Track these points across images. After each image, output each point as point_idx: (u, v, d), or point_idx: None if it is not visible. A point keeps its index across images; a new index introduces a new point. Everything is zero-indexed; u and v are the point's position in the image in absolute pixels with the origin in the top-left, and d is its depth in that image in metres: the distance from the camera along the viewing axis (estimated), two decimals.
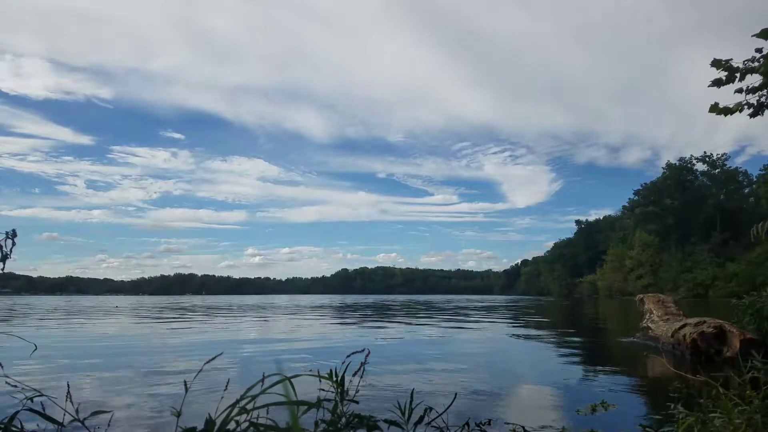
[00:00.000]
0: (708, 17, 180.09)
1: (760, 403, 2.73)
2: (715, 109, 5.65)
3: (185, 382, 1.80)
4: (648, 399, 5.11)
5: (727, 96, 5.59)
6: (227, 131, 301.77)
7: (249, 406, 1.49)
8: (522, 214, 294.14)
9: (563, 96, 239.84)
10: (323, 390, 2.03)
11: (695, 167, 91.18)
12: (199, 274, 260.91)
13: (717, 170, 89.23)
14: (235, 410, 1.50)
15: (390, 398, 4.48)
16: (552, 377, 6.28)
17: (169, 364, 7.46)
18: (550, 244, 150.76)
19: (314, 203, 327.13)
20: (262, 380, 1.49)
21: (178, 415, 1.70)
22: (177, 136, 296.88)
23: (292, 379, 1.35)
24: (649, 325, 9.95)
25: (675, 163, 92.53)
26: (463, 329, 14.73)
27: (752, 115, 5.67)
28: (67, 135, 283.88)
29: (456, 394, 3.38)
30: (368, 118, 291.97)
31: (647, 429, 3.03)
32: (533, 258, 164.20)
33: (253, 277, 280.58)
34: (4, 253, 2.21)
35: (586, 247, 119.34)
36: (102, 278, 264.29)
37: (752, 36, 5.30)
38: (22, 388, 2.04)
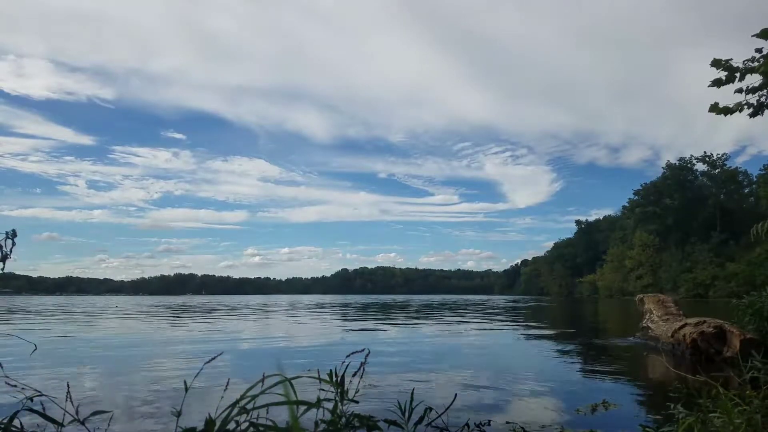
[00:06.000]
0: (708, 17, 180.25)
1: (760, 403, 2.73)
2: (715, 109, 5.65)
3: (185, 382, 1.80)
4: (648, 399, 5.10)
5: (727, 96, 5.59)
6: (228, 131, 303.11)
7: (249, 406, 1.49)
8: (522, 214, 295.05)
9: (563, 96, 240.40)
10: (323, 390, 2.03)
11: (695, 167, 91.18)
12: (199, 274, 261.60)
13: (717, 170, 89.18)
14: (235, 410, 1.50)
15: (390, 398, 4.48)
16: (552, 377, 6.28)
17: (169, 363, 7.46)
18: (550, 244, 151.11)
19: (315, 203, 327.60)
20: (262, 380, 1.49)
21: (178, 415, 1.70)
22: (178, 136, 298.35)
23: (292, 380, 1.35)
24: (649, 325, 9.95)
25: (675, 163, 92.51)
26: (462, 329, 14.72)
27: (752, 115, 5.67)
28: (68, 135, 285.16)
29: (456, 394, 3.38)
30: (369, 118, 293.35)
31: (647, 429, 3.03)
32: (533, 258, 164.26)
33: (253, 277, 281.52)
34: (4, 253, 2.21)
35: (586, 247, 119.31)
36: (102, 278, 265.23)
37: (752, 36, 5.29)
38: (22, 388, 2.04)
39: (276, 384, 1.32)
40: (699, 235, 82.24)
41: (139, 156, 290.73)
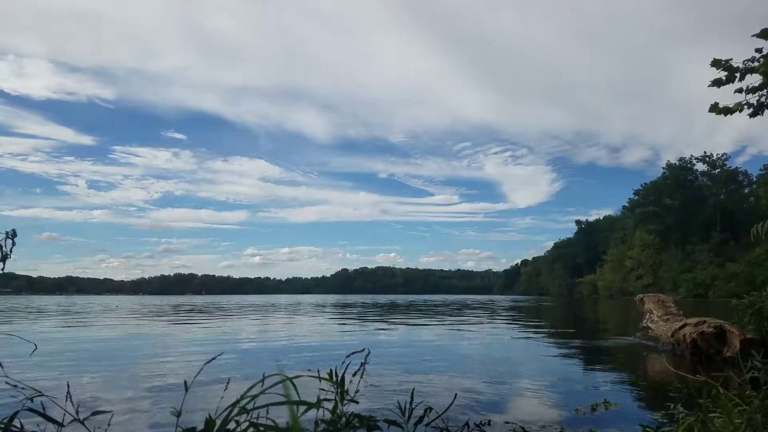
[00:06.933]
0: (708, 17, 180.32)
1: (760, 403, 2.73)
2: (715, 109, 5.65)
3: (185, 382, 1.80)
4: (648, 399, 5.11)
5: (727, 96, 5.59)
6: (228, 131, 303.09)
7: (249, 406, 1.49)
8: (522, 214, 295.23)
9: (564, 96, 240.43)
10: (323, 390, 2.03)
11: (695, 167, 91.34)
12: (199, 274, 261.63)
13: (717, 170, 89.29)
14: (235, 410, 1.50)
15: (390, 398, 4.48)
16: (552, 377, 6.28)
17: (169, 363, 7.46)
18: (550, 244, 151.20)
19: (315, 203, 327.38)
20: (262, 380, 1.49)
21: (178, 415, 1.70)
22: (178, 136, 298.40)
23: (292, 379, 1.35)
24: (649, 325, 9.95)
25: (675, 163, 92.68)
26: (463, 329, 14.72)
27: (752, 115, 5.67)
28: (68, 135, 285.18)
29: (456, 394, 3.38)
30: (369, 119, 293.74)
31: (647, 429, 3.03)
32: (533, 258, 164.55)
33: (253, 277, 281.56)
34: (4, 253, 2.21)
35: (586, 247, 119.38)
36: (102, 278, 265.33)
37: (752, 36, 5.30)
38: (22, 388, 2.04)
39: (276, 384, 1.32)
40: (699, 235, 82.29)
41: (139, 156, 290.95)
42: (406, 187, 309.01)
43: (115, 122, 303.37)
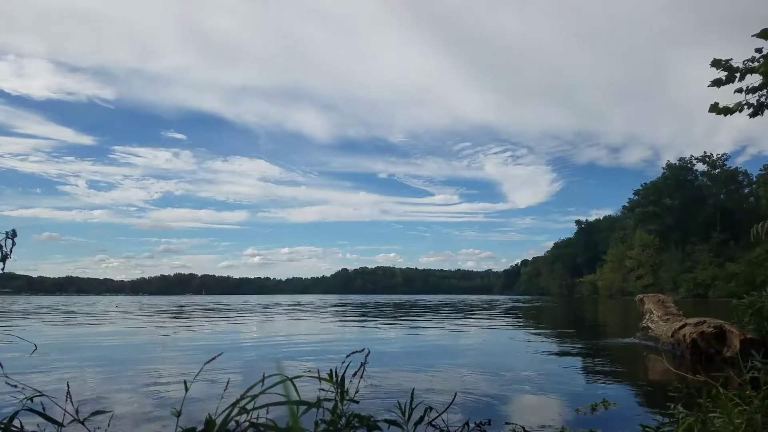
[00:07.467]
0: (708, 17, 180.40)
1: (760, 403, 2.73)
2: (715, 109, 5.66)
3: (185, 382, 1.80)
4: (648, 399, 5.10)
5: (727, 96, 5.60)
6: (228, 131, 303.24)
7: (249, 406, 1.49)
8: (522, 214, 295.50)
9: (564, 96, 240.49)
10: (323, 390, 2.03)
11: (695, 167, 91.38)
12: (199, 274, 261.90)
13: (717, 170, 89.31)
14: (235, 410, 1.50)
15: (390, 398, 4.48)
16: (552, 377, 6.28)
17: (169, 363, 7.46)
18: (550, 244, 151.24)
19: (315, 203, 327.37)
20: (262, 380, 1.49)
21: (178, 415, 1.70)
22: (178, 136, 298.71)
23: (292, 379, 1.35)
24: (649, 325, 9.94)
25: (675, 163, 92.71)
26: (462, 329, 14.72)
27: (752, 115, 5.68)
28: (68, 135, 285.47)
29: (456, 393, 3.38)
30: (369, 119, 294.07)
31: (647, 429, 3.03)
32: (533, 258, 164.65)
33: (253, 277, 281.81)
34: (4, 253, 2.21)
35: (586, 247, 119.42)
36: (102, 278, 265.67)
37: (752, 36, 5.30)
38: (22, 388, 2.05)
39: (276, 384, 1.32)
40: (699, 235, 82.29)
41: (139, 156, 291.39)
42: (406, 187, 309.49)
43: (115, 122, 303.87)
